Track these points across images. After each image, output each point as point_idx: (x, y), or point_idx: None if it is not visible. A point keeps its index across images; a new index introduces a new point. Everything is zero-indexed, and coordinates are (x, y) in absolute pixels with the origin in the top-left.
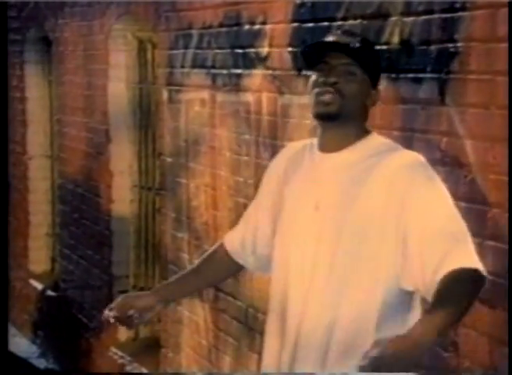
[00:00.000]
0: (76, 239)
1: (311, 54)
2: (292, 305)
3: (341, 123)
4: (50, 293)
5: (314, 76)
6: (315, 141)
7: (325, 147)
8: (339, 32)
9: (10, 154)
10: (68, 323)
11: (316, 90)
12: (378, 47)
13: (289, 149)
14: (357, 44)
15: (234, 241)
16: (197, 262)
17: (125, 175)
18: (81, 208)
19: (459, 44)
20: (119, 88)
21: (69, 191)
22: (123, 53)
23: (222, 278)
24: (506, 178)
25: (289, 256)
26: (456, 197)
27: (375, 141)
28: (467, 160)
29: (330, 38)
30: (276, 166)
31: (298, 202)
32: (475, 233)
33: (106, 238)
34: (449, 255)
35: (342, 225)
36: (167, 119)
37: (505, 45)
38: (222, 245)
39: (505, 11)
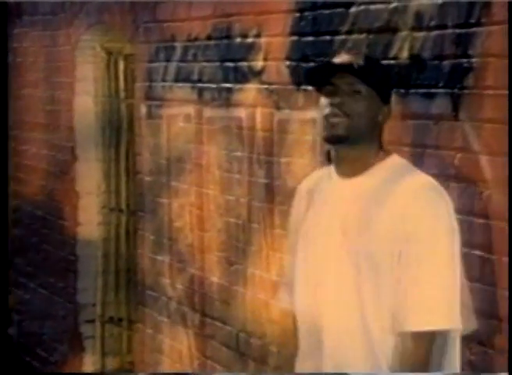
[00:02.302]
0: (35, 266)
1: (315, 76)
2: (327, 334)
3: (353, 144)
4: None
5: (322, 99)
6: (331, 167)
7: (343, 171)
8: (342, 52)
9: None
10: (23, 358)
11: (323, 112)
12: (385, 62)
13: (306, 183)
14: (361, 63)
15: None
16: None
17: (92, 196)
18: (41, 232)
19: (474, 60)
20: (86, 103)
21: (26, 213)
22: (91, 65)
23: None
24: None
25: (319, 283)
26: (472, 213)
27: (392, 162)
28: (483, 176)
29: (333, 60)
30: (297, 207)
31: (325, 230)
32: (495, 250)
33: (71, 264)
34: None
35: (363, 252)
36: (145, 136)
37: None
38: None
39: None
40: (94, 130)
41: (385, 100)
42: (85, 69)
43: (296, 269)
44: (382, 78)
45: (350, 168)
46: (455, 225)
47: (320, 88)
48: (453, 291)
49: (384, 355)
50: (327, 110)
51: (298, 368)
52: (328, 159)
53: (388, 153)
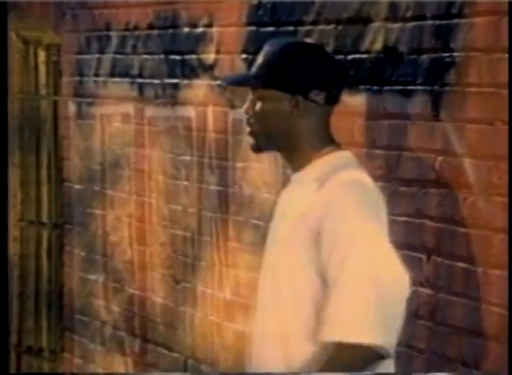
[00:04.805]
0: None
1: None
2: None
3: (279, 147)
4: None
5: None
6: None
7: (290, 167)
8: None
9: None
10: None
11: None
12: (356, 56)
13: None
14: (252, 73)
15: None
16: None
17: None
18: None
19: (456, 54)
20: None
21: None
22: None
23: None
24: None
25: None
26: (454, 222)
27: (332, 158)
28: (467, 181)
29: (226, 78)
30: None
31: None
32: (478, 262)
33: None
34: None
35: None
36: (74, 138)
37: None
38: None
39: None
40: (10, 132)
41: (296, 92)
42: None
43: None
44: (286, 76)
45: (291, 165)
46: (381, 218)
47: None
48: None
49: (299, 361)
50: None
51: None
52: None
53: (334, 149)
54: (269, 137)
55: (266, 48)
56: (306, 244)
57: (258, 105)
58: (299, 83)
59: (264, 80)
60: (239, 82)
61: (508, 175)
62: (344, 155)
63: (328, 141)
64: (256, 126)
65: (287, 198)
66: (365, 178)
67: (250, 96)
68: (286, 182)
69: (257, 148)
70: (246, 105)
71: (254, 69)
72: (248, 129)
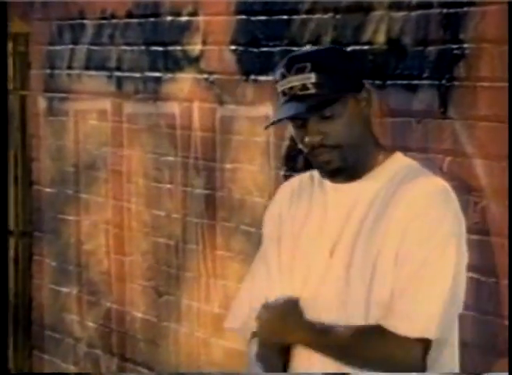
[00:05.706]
0: None
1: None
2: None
3: (360, 159)
4: None
5: (294, 130)
6: (315, 172)
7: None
8: (291, 74)
9: None
10: None
11: (305, 149)
12: (357, 47)
13: (290, 185)
14: (310, 92)
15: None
16: None
17: None
18: None
19: (465, 46)
20: None
21: None
22: None
23: None
24: None
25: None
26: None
27: (396, 163)
28: (478, 184)
29: (284, 114)
30: (275, 209)
31: (312, 245)
32: (490, 272)
33: None
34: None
35: (358, 270)
36: (45, 137)
37: None
38: None
39: None
40: None
41: (358, 89)
42: None
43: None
44: (342, 72)
45: (346, 174)
46: (462, 241)
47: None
48: (439, 302)
49: None
50: (310, 149)
51: None
52: (286, 163)
53: (389, 152)
54: (355, 148)
55: (305, 67)
56: (392, 248)
57: (332, 122)
58: (361, 77)
59: (335, 90)
60: (307, 110)
61: (508, 175)
62: (403, 159)
63: (376, 142)
64: (339, 145)
65: (349, 204)
66: (448, 188)
67: (310, 122)
68: (279, 184)
69: (342, 170)
70: (310, 137)
71: (310, 90)
72: (324, 158)
